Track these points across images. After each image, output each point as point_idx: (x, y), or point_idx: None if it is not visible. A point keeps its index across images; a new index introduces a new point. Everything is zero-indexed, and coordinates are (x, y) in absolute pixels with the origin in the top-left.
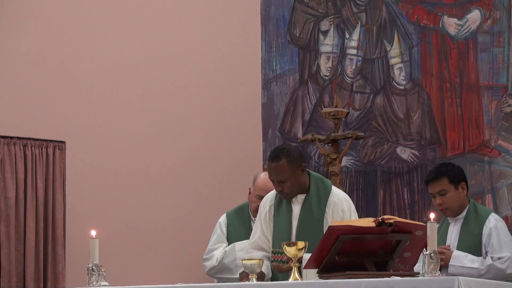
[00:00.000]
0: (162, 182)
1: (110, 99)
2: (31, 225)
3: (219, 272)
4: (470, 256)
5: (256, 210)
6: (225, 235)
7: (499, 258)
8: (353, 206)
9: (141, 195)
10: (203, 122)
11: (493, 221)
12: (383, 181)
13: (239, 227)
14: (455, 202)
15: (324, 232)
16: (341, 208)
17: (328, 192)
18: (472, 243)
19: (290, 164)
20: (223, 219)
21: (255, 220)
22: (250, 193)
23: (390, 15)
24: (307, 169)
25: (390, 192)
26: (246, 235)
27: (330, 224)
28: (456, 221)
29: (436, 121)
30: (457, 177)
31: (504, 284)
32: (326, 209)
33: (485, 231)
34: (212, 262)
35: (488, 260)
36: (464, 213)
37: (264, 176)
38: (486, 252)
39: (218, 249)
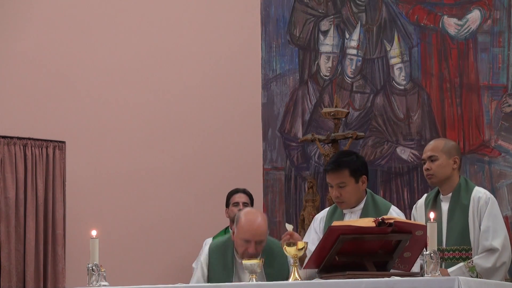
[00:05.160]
0: (162, 182)
1: (110, 99)
2: (31, 225)
3: None
4: None
5: (244, 255)
6: (205, 276)
7: None
8: None
9: (141, 195)
10: (203, 122)
11: (396, 216)
12: (383, 181)
13: (220, 269)
14: (353, 196)
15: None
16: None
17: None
18: None
19: None
20: (204, 258)
21: (240, 260)
22: (233, 233)
23: (390, 15)
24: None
25: (390, 192)
26: (225, 280)
27: None
28: (352, 213)
29: (436, 121)
30: (359, 169)
31: (504, 284)
32: None
33: None
34: None
35: None
36: (362, 205)
37: (248, 216)
38: None
39: None
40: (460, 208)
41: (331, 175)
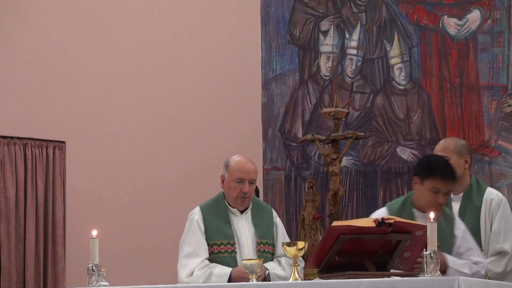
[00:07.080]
0: (162, 182)
1: (110, 99)
2: (31, 225)
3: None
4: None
5: (238, 197)
6: (203, 232)
7: None
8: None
9: (141, 195)
10: (203, 122)
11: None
12: (383, 181)
13: (217, 221)
14: None
15: None
16: None
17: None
18: None
19: None
20: (198, 215)
21: (233, 209)
22: (223, 180)
23: (390, 15)
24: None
25: (390, 192)
26: (224, 230)
27: None
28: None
29: (436, 121)
30: None
31: (504, 284)
32: None
33: None
34: (195, 279)
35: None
36: None
37: (238, 158)
38: None
39: (196, 265)
40: (471, 208)
41: (449, 183)
